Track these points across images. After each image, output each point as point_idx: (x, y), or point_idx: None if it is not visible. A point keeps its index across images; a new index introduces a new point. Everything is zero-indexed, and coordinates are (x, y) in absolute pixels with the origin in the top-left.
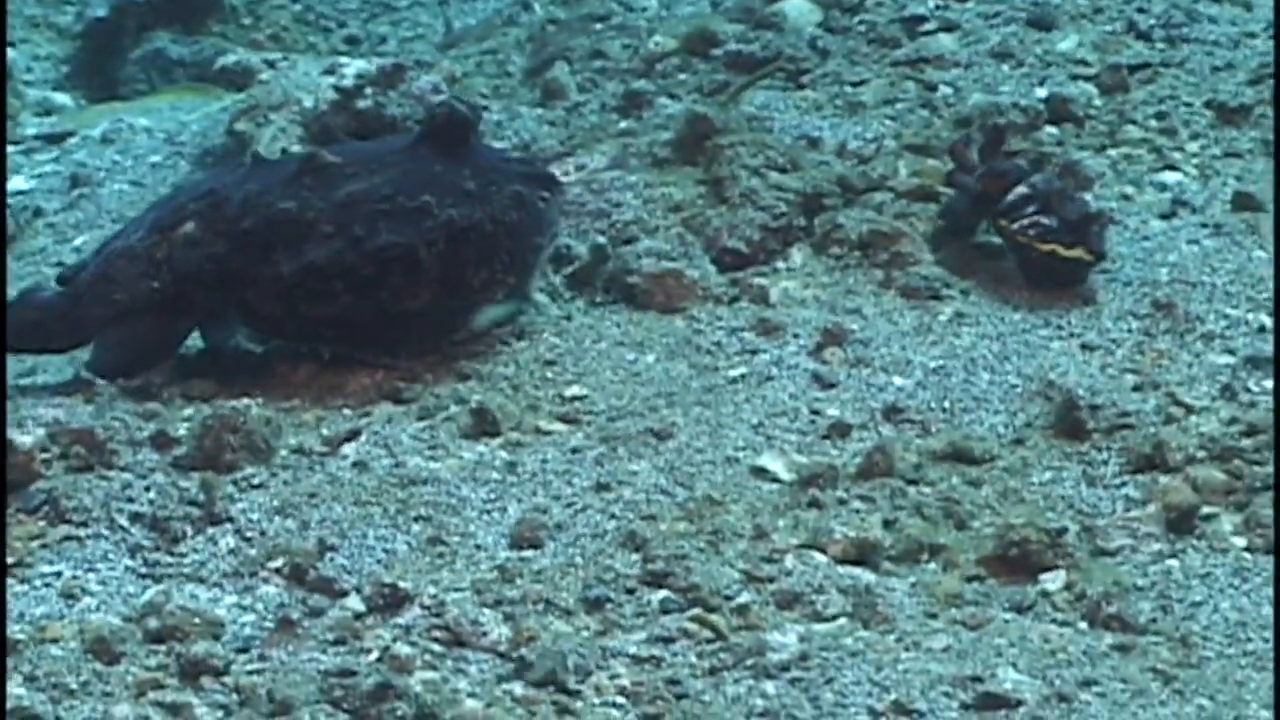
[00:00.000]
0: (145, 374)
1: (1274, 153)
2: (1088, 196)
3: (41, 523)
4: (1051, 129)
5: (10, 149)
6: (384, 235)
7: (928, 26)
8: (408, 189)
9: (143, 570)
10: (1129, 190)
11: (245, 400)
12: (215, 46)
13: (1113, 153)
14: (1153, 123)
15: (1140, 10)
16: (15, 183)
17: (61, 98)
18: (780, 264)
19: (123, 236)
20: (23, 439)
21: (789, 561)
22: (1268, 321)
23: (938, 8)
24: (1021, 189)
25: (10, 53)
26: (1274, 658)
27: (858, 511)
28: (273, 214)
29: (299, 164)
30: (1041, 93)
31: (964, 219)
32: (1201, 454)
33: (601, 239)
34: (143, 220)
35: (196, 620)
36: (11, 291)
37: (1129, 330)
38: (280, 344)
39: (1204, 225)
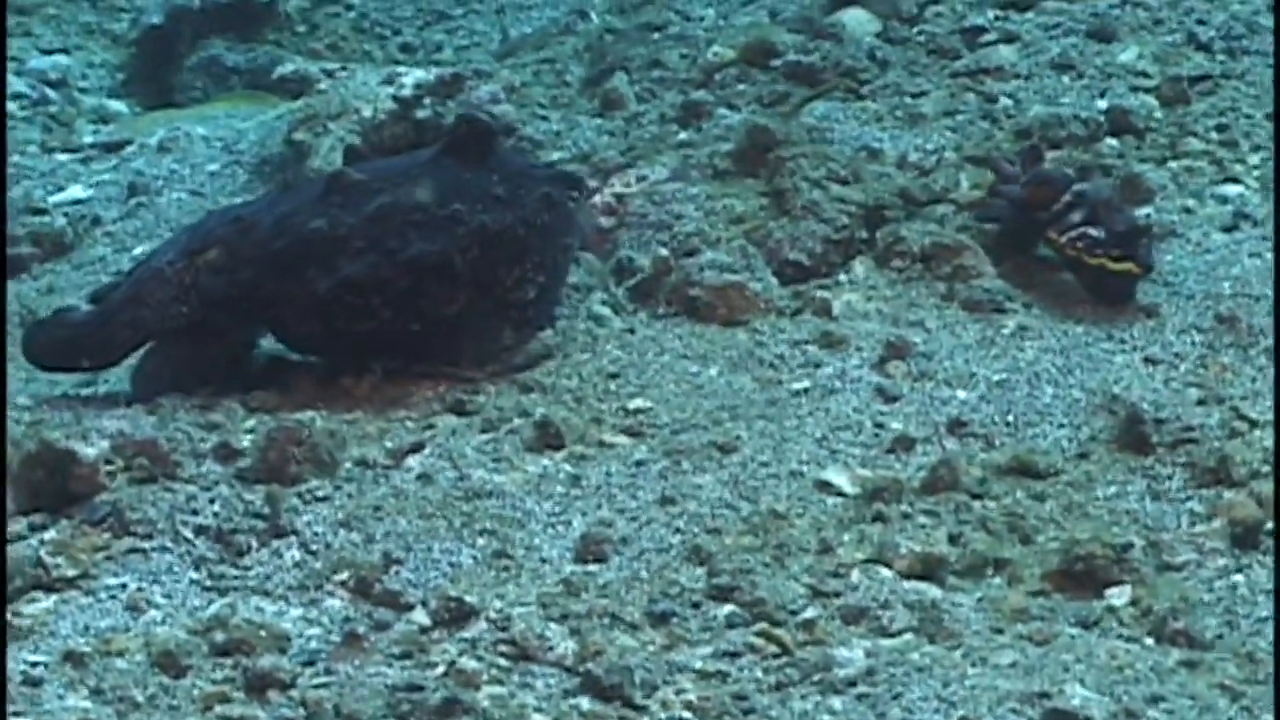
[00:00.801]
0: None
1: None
2: (1147, 209)
3: (106, 535)
4: (1112, 141)
5: (67, 157)
6: (417, 245)
7: (988, 37)
8: (437, 199)
9: (208, 583)
10: (1190, 203)
11: (309, 412)
12: (270, 54)
13: (1174, 165)
14: (1214, 135)
15: (1200, 22)
16: (73, 191)
17: (117, 105)
18: (842, 276)
19: (155, 258)
20: (87, 450)
21: (854, 576)
22: None
23: (997, 19)
24: (1069, 198)
25: (65, 60)
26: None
27: (923, 526)
28: (304, 233)
29: (325, 183)
30: (1102, 104)
31: (1010, 225)
32: (1266, 468)
33: (664, 251)
34: (174, 242)
35: (262, 633)
36: (52, 305)
37: (1192, 344)
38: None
39: (1266, 238)
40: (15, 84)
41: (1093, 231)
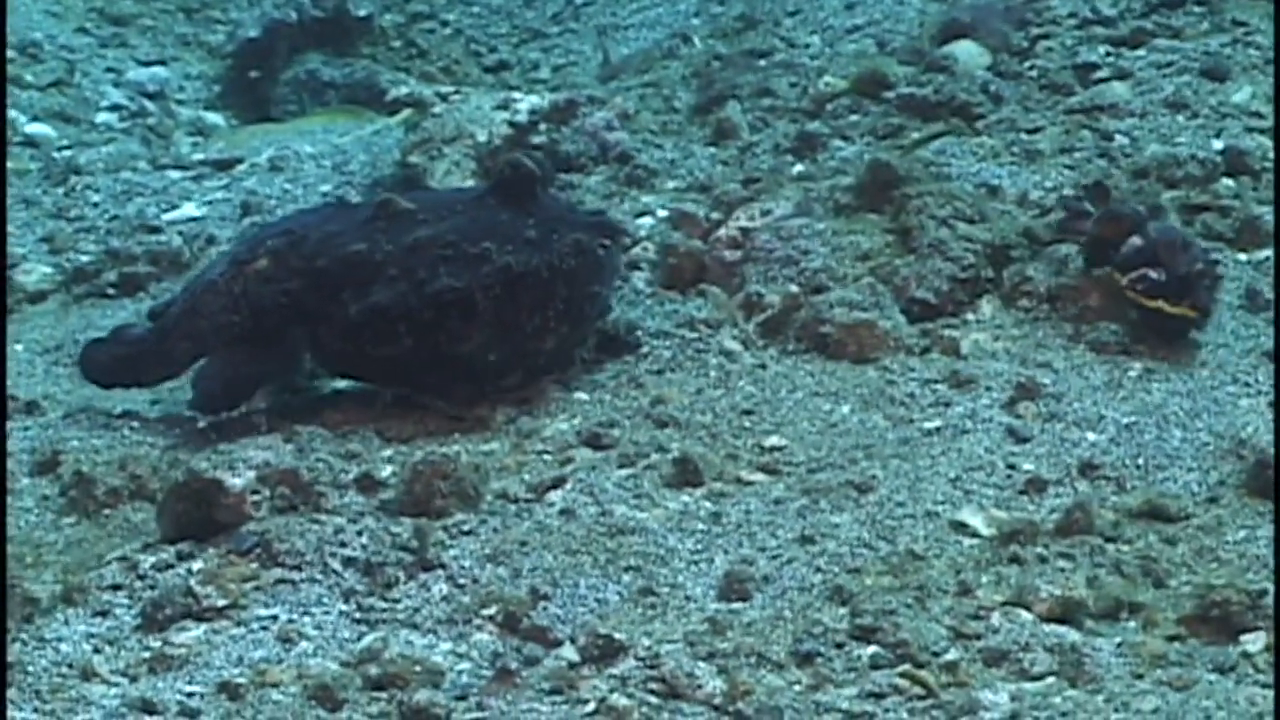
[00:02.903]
0: (241, 405)
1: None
2: (1266, 252)
3: (254, 565)
4: (1228, 182)
5: (178, 174)
6: (443, 279)
7: (1100, 74)
8: (471, 236)
9: (357, 615)
10: None
11: (449, 445)
12: (367, 69)
13: None
14: None
15: None
16: (187, 209)
17: (214, 117)
18: (969, 315)
19: (209, 271)
20: (233, 481)
21: (995, 618)
22: None
23: (1109, 55)
24: (1135, 239)
25: (162, 71)
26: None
27: (1061, 569)
28: (345, 255)
29: (374, 208)
30: (1218, 145)
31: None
32: None
33: (793, 287)
34: (227, 255)
35: (416, 668)
36: None
37: None
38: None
39: None
40: (113, 95)
41: (1152, 274)
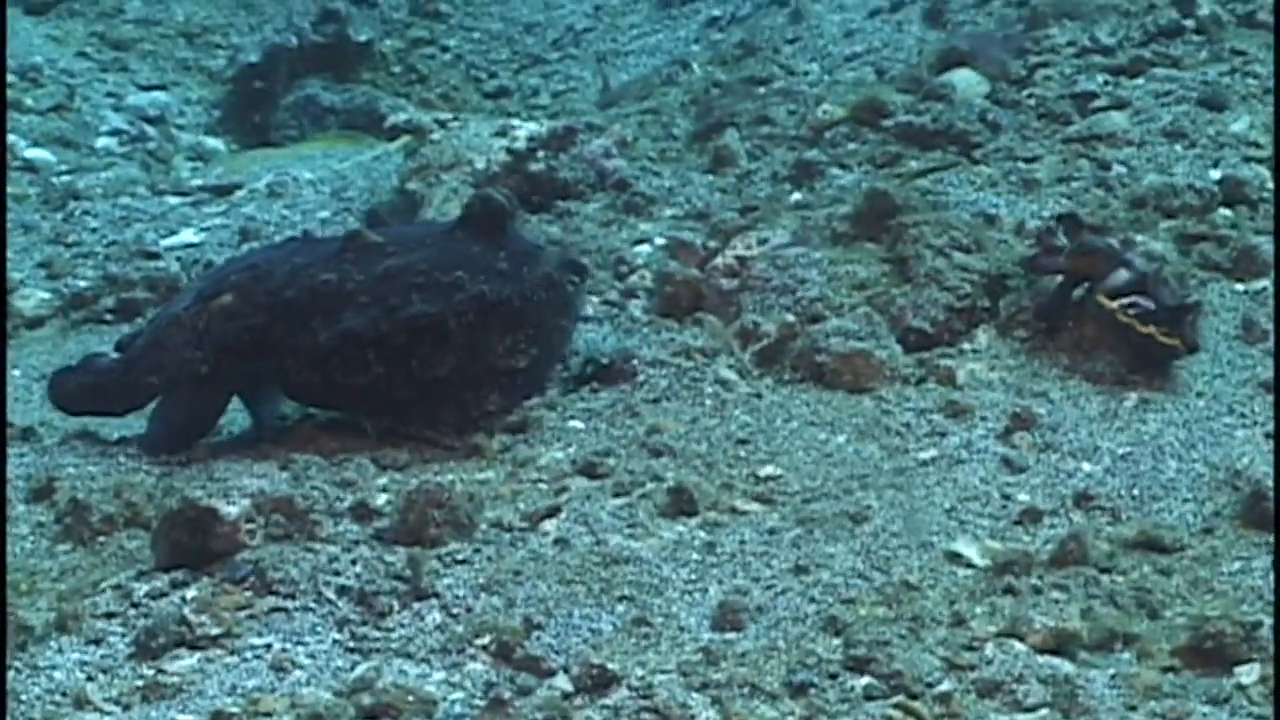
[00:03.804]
0: (192, 446)
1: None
2: (1264, 282)
3: (248, 593)
4: (1226, 211)
5: (177, 200)
6: (417, 305)
7: (1099, 103)
8: (443, 266)
9: (351, 644)
10: None
11: (444, 474)
12: (367, 94)
13: None
14: None
15: None
16: (185, 235)
17: (214, 142)
18: (966, 345)
19: (175, 304)
20: (229, 509)
21: (989, 649)
22: None
23: (1107, 84)
24: (1120, 270)
25: (163, 96)
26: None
27: (1055, 600)
28: (314, 285)
29: (343, 241)
30: (1215, 174)
31: (1057, 302)
32: None
33: (789, 316)
34: (192, 289)
35: (410, 698)
36: None
37: None
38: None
39: None
40: (113, 120)
41: (1143, 302)
